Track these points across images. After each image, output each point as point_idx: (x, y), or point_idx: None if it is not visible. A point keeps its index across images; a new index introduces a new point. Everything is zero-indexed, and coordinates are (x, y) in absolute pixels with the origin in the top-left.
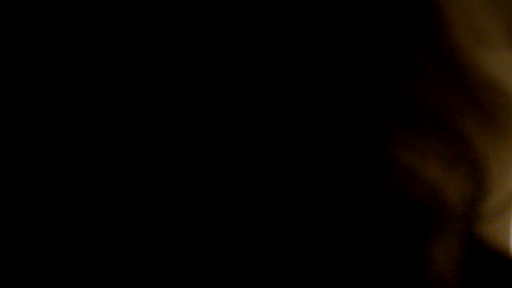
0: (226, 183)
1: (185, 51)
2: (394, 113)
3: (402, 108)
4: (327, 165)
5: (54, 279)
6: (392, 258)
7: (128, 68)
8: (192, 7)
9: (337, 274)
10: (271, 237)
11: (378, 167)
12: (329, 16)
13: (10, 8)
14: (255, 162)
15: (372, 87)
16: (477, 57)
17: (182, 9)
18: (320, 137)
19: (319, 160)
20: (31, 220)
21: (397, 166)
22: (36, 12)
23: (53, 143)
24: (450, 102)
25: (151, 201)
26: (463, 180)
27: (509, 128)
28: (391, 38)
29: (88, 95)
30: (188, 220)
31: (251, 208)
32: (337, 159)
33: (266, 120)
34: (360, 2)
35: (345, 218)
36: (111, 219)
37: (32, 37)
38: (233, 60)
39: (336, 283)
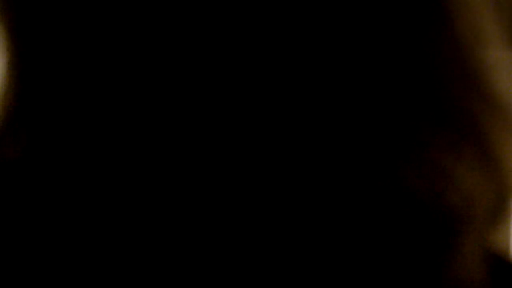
0: (238, 183)
1: (185, 51)
2: (435, 116)
3: (441, 111)
4: (365, 165)
5: (54, 279)
6: (419, 260)
7: (128, 69)
8: (192, 7)
9: (361, 273)
10: (298, 238)
11: (417, 168)
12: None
13: (14, 9)
14: (272, 159)
15: (413, 88)
16: (485, 58)
17: (182, 9)
18: (358, 136)
19: (357, 159)
20: (32, 220)
21: (436, 168)
22: (37, 13)
23: (54, 144)
24: (469, 105)
25: (151, 201)
26: (491, 186)
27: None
28: (410, 41)
29: (88, 95)
30: (188, 220)
31: (263, 207)
32: (376, 159)
33: (292, 118)
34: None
35: (376, 217)
36: (111, 219)
37: (34, 38)
38: (248, 61)
39: (359, 282)
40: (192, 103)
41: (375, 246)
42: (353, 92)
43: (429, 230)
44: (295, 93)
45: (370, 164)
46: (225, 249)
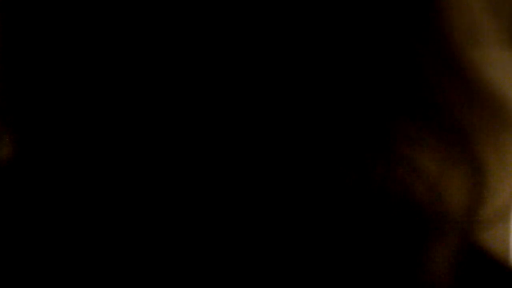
0: (230, 182)
1: (185, 51)
2: (405, 111)
3: (412, 106)
4: (334, 163)
5: (54, 279)
6: (389, 258)
7: (128, 69)
8: (192, 7)
9: (334, 272)
10: (270, 236)
11: (389, 165)
12: (343, 20)
13: (13, 10)
14: (259, 162)
15: (383, 86)
16: (476, 57)
17: (182, 9)
18: (328, 134)
19: (325, 158)
20: (32, 220)
21: (404, 163)
22: (37, 14)
23: (54, 144)
24: (453, 102)
25: (151, 201)
26: (464, 182)
27: (509, 130)
28: (396, 37)
29: (88, 96)
30: (188, 220)
31: (251, 208)
32: (347, 156)
33: (274, 119)
34: (368, 8)
35: (347, 216)
36: (111, 219)
37: (33, 38)
38: (244, 60)
39: (333, 281)
40: (188, 104)
41: (344, 242)
42: (332, 87)
43: (399, 228)
44: (282, 92)
45: (340, 159)
46: (220, 248)
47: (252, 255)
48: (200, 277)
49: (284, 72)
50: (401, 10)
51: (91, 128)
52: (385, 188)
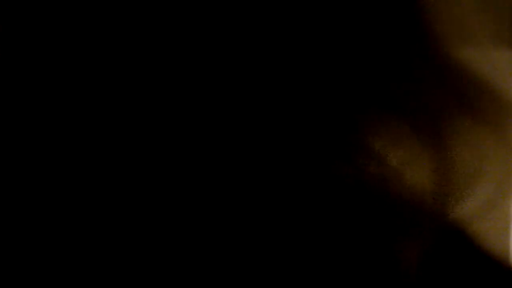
0: (222, 181)
1: (185, 51)
2: (389, 110)
3: (395, 105)
4: (322, 159)
5: (54, 279)
6: (365, 252)
7: (128, 68)
8: (192, 7)
9: (312, 265)
10: (247, 229)
11: (361, 158)
12: (329, 16)
13: (12, 9)
14: (251, 161)
15: (369, 84)
16: (463, 54)
17: (182, 9)
18: (315, 131)
19: (316, 154)
20: (31, 219)
21: (389, 163)
22: (36, 13)
23: (53, 143)
24: (436, 100)
25: (151, 201)
26: (444, 181)
27: (495, 126)
28: (382, 34)
29: (87, 95)
30: (185, 219)
31: (240, 206)
32: (332, 154)
33: (267, 120)
34: (357, 6)
35: (322, 209)
36: (111, 219)
37: (32, 37)
38: (233, 60)
39: (310, 274)
40: (185, 104)
41: (320, 234)
42: (314, 80)
43: (372, 219)
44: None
45: (316, 154)
46: (214, 246)
47: (239, 239)
48: (196, 274)
49: (269, 72)
50: (385, 3)
51: (89, 127)
52: (359, 182)
